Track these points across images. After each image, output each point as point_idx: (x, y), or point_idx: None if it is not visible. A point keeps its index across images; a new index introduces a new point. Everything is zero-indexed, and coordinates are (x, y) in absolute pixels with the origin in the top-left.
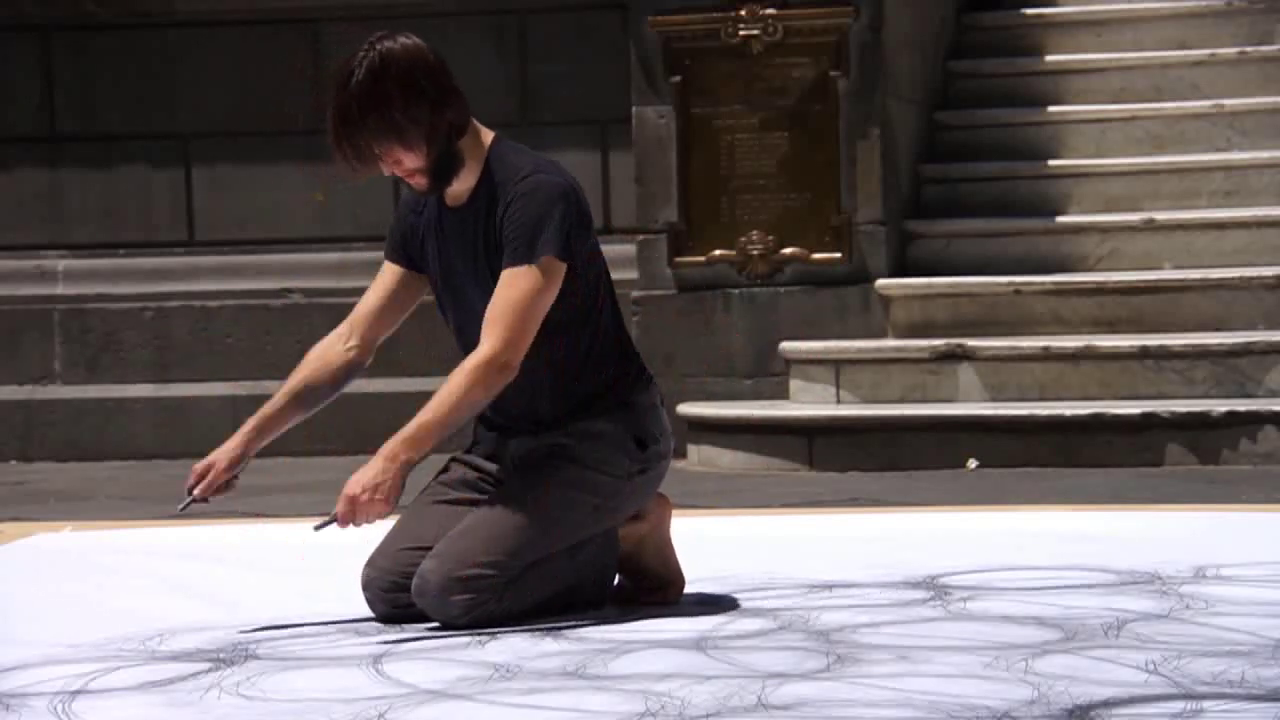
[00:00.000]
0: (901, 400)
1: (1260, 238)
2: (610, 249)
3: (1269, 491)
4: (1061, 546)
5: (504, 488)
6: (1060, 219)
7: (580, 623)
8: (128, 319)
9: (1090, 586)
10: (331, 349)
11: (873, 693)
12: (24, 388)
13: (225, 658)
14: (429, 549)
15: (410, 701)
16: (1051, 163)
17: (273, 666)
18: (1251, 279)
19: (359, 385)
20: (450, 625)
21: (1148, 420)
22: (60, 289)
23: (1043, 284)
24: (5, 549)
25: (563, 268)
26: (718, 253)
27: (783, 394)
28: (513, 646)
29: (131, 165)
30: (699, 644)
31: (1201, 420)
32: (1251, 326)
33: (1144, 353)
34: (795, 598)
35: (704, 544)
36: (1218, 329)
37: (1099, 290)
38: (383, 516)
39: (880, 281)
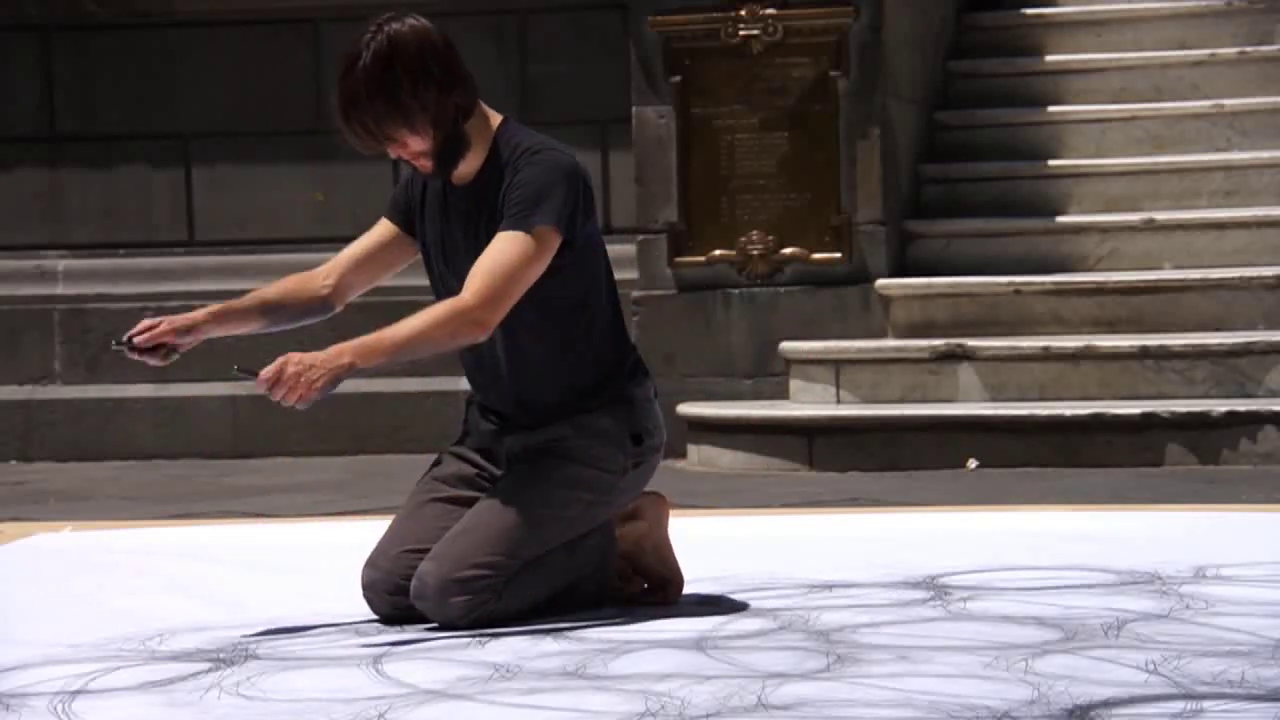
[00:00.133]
0: (901, 400)
1: (1260, 238)
2: (610, 249)
3: (1269, 491)
4: (1061, 546)
5: (499, 486)
6: (1060, 219)
7: (580, 623)
8: (128, 319)
9: (1090, 586)
10: (310, 280)
11: (873, 693)
12: (24, 388)
13: (225, 658)
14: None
15: (410, 701)
16: (1051, 163)
17: (273, 666)
18: (1251, 279)
19: (359, 385)
20: (450, 626)
21: (1148, 420)
22: (60, 289)
23: (1043, 284)
24: (5, 549)
25: (557, 241)
26: (718, 253)
27: (783, 394)
28: (513, 646)
29: (131, 165)
30: (699, 644)
31: (1201, 420)
32: (1251, 326)
33: (1144, 353)
34: (795, 598)
35: (704, 544)
36: (1218, 329)
37: (1099, 290)
38: (296, 406)
39: (880, 281)
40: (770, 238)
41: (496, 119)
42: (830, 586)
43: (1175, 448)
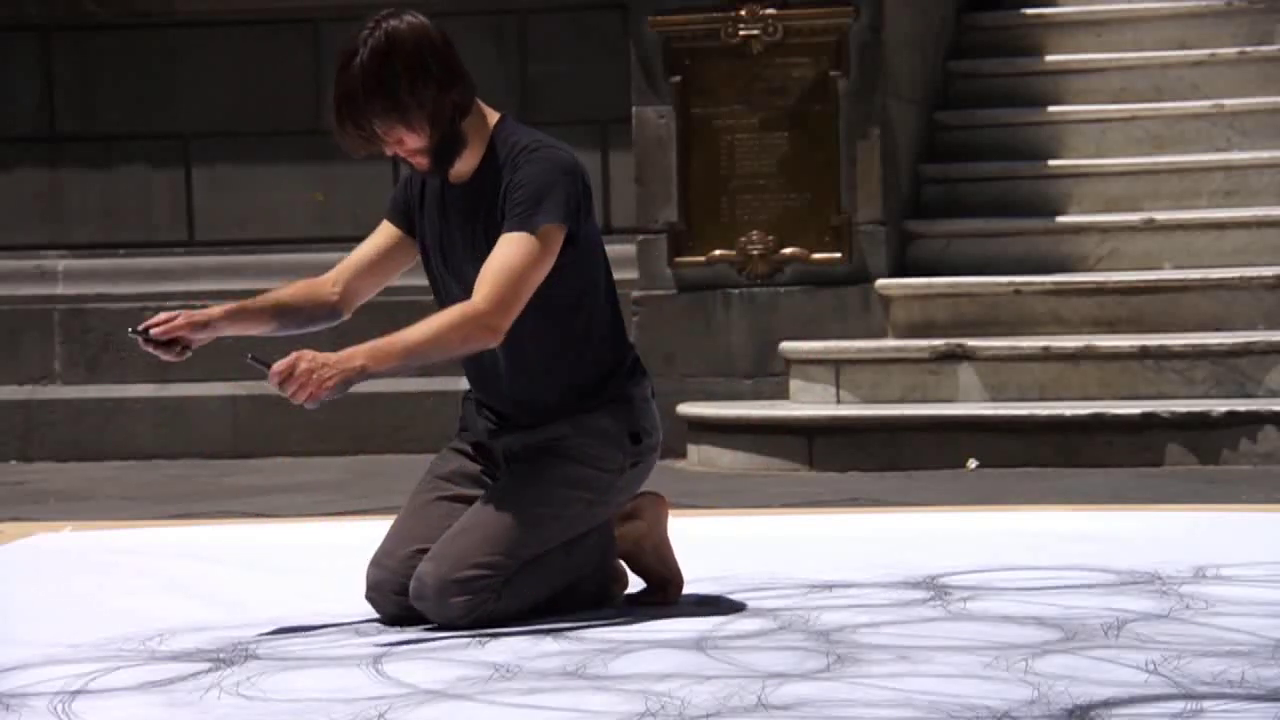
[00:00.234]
0: (901, 400)
1: (1260, 238)
2: (610, 249)
3: (1269, 491)
4: (1061, 546)
5: (498, 485)
6: (1060, 219)
7: (580, 623)
8: (128, 319)
9: (1090, 586)
10: (319, 286)
11: (873, 693)
12: (24, 388)
13: (225, 658)
14: None
15: (410, 701)
16: (1051, 163)
17: (273, 666)
18: (1251, 279)
19: (359, 385)
20: (450, 626)
21: (1148, 420)
22: (60, 289)
23: (1043, 284)
24: (5, 549)
25: (561, 239)
26: (718, 253)
27: (783, 394)
28: (513, 646)
29: (131, 165)
30: (699, 644)
31: (1201, 420)
32: (1251, 326)
33: (1144, 353)
34: (795, 598)
35: (704, 544)
36: (1218, 329)
37: (1099, 290)
38: (305, 404)
39: (880, 281)
40: (770, 238)
41: (494, 117)
42: (830, 586)
43: (1175, 448)
